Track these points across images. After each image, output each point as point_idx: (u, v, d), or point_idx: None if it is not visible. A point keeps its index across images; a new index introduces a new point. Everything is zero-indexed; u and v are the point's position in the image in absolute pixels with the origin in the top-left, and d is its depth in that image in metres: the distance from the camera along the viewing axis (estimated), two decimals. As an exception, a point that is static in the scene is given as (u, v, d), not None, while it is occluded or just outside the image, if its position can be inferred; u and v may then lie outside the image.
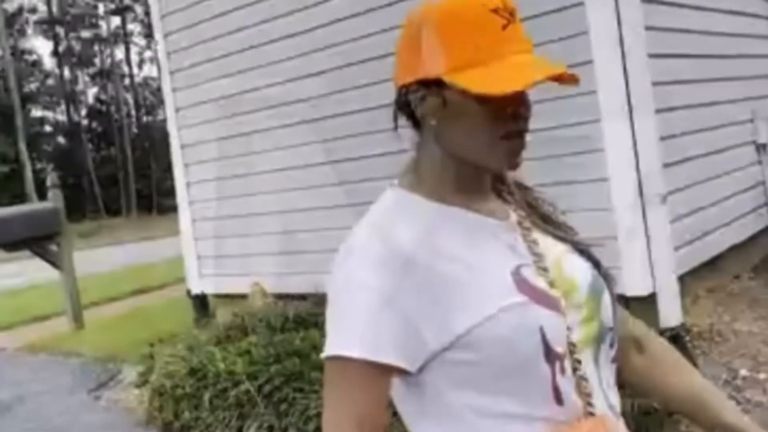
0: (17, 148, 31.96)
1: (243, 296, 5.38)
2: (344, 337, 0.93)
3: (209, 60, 5.66)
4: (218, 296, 5.89)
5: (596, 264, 1.07)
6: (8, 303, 9.25)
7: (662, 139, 3.83)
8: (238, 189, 5.64)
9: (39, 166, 35.83)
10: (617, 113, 3.72)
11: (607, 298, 1.05)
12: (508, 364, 0.92)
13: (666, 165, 3.84)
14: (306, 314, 4.74)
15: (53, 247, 6.89)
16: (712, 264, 4.33)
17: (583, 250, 1.07)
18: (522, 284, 0.95)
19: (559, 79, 0.95)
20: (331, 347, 0.93)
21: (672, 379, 1.15)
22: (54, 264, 6.96)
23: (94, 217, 33.24)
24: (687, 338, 3.79)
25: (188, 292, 6.17)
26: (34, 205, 7.67)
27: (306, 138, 5.16)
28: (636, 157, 3.72)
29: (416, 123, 1.02)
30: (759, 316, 3.96)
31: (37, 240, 6.74)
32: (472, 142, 0.97)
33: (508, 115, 0.95)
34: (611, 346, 1.04)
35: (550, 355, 0.94)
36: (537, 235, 1.04)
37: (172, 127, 6.02)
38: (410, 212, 0.99)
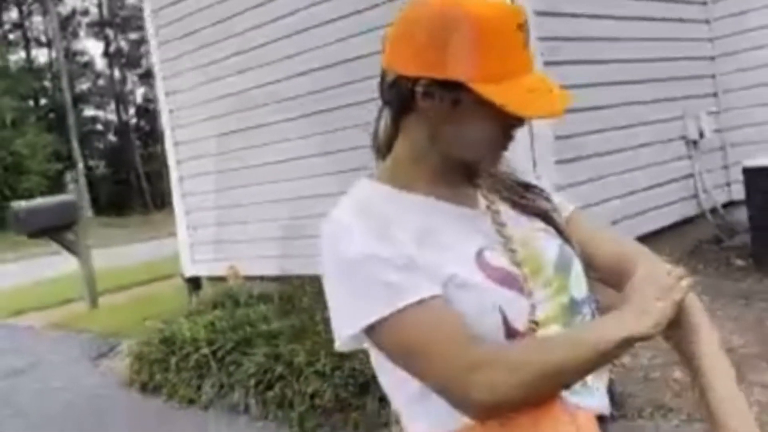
0: (70, 145, 33.50)
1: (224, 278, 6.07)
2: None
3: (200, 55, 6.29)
4: (209, 279, 6.59)
5: (560, 231, 1.12)
6: (44, 290, 10.15)
7: (558, 137, 4.34)
8: (222, 183, 6.32)
9: (91, 163, 37.44)
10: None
11: (577, 269, 1.09)
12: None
13: (559, 161, 4.35)
14: (268, 292, 5.39)
15: (71, 237, 7.72)
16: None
17: (548, 220, 1.13)
18: (484, 265, 1.01)
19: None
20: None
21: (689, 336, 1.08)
22: (71, 251, 7.79)
23: (142, 212, 34.59)
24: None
25: (182, 276, 6.89)
26: (54, 198, 8.45)
27: (283, 135, 5.77)
28: (533, 152, 4.24)
29: (403, 110, 1.06)
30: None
31: (57, 229, 7.57)
32: (475, 144, 1.03)
33: (515, 125, 1.04)
34: (592, 316, 1.09)
35: (510, 333, 0.99)
36: (506, 216, 1.10)
37: (166, 127, 6.73)
38: (384, 198, 1.06)
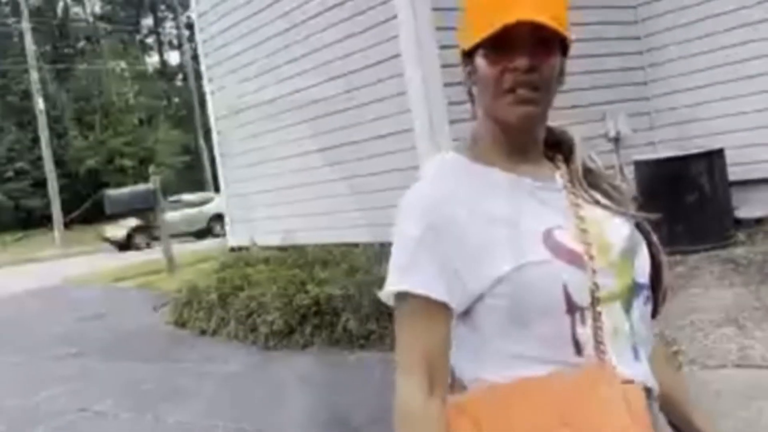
0: (196, 141, 37.00)
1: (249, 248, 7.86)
2: (406, 275, 1.07)
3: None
4: (240, 248, 8.40)
5: (646, 234, 1.18)
6: (135, 266, 12.43)
7: (455, 140, 5.71)
8: (255, 173, 8.08)
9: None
10: (421, 109, 5.67)
11: (642, 258, 1.14)
12: (534, 311, 1.04)
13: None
14: (272, 256, 7.11)
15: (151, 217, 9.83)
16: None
17: (638, 225, 1.18)
18: (550, 242, 1.06)
19: (550, 31, 1.05)
20: (394, 283, 1.08)
21: (659, 374, 1.16)
22: (151, 228, 9.90)
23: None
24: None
25: (229, 247, 8.76)
26: (138, 187, 10.64)
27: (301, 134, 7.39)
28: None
29: (467, 86, 1.14)
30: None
31: (139, 210, 9.69)
32: (486, 99, 1.09)
33: (511, 68, 1.05)
34: (645, 302, 1.14)
35: (571, 306, 1.05)
36: (582, 201, 1.13)
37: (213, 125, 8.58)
38: (456, 172, 1.12)
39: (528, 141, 1.13)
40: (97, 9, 43.94)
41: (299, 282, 5.86)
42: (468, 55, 1.10)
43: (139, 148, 35.35)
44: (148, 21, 45.28)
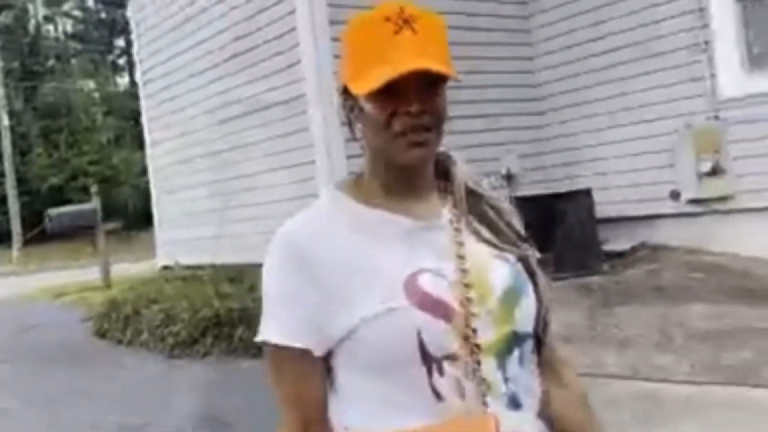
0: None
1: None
2: (266, 324, 1.09)
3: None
4: (167, 267, 8.94)
5: (532, 275, 1.13)
6: (74, 283, 12.83)
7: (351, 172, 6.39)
8: (181, 198, 8.65)
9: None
10: (320, 131, 6.32)
11: (526, 304, 1.10)
12: (389, 360, 1.03)
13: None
14: (189, 274, 7.68)
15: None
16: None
17: (522, 259, 1.13)
18: (413, 289, 1.03)
19: (438, 76, 1.04)
20: (259, 333, 1.10)
21: (569, 412, 1.17)
22: (92, 244, 10.39)
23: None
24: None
25: (160, 266, 9.29)
26: (79, 206, 11.17)
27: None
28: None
29: (350, 124, 1.12)
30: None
31: (82, 228, 10.19)
32: (378, 140, 1.07)
33: (402, 113, 1.04)
34: (531, 352, 1.11)
35: (426, 357, 1.02)
36: (467, 237, 1.11)
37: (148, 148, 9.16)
38: (333, 211, 1.11)
39: (416, 178, 1.12)
40: (69, 28, 44.35)
41: (205, 297, 6.44)
42: (349, 93, 1.08)
43: (105, 167, 35.55)
44: (120, 42, 45.80)
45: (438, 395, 1.03)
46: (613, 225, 6.98)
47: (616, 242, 6.95)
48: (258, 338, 1.10)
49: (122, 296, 7.38)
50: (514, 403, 1.07)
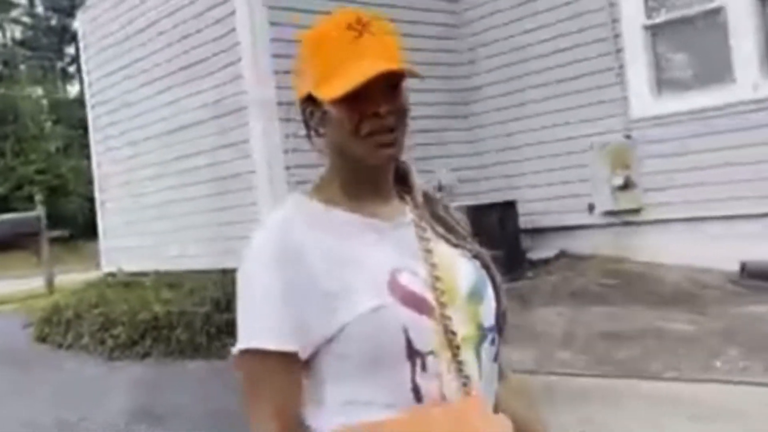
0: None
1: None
2: (251, 330, 1.06)
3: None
4: (111, 274, 9.11)
5: (487, 269, 1.18)
6: (20, 291, 12.86)
7: (291, 184, 6.71)
8: (124, 206, 8.85)
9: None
10: (261, 154, 6.64)
11: (488, 301, 1.14)
12: (375, 358, 1.04)
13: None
14: (131, 281, 7.89)
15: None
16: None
17: (477, 256, 1.18)
18: (395, 287, 1.06)
19: (400, 76, 1.09)
20: (242, 341, 1.06)
21: (517, 410, 1.21)
22: (36, 253, 10.49)
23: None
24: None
25: (104, 273, 9.45)
26: (22, 215, 11.24)
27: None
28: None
29: (309, 132, 1.15)
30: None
31: (25, 235, 10.28)
32: (346, 143, 1.09)
33: (370, 115, 1.07)
34: (491, 343, 1.14)
35: (411, 352, 1.04)
36: (432, 236, 1.15)
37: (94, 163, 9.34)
38: (302, 215, 1.11)
39: (380, 179, 1.15)
40: (18, 34, 43.65)
41: (145, 301, 6.67)
42: (310, 99, 1.11)
43: (52, 176, 35.01)
44: (71, 49, 45.22)
45: (417, 392, 1.05)
46: (537, 235, 7.45)
47: (540, 251, 7.42)
48: (241, 345, 1.07)
49: (64, 302, 7.55)
50: (487, 394, 1.12)
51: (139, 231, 8.39)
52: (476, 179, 8.03)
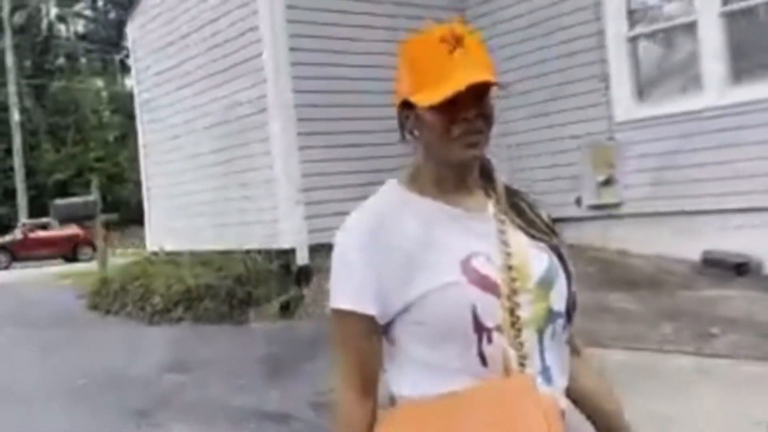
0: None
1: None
2: (337, 294, 1.25)
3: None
4: (156, 252, 10.23)
5: (563, 262, 1.29)
6: (86, 270, 14.21)
7: (305, 177, 7.65)
8: (169, 192, 9.94)
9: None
10: (283, 168, 7.60)
11: (559, 287, 1.26)
12: (445, 328, 1.19)
13: (305, 189, 7.66)
14: (173, 259, 8.97)
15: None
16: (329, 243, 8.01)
17: (554, 248, 1.30)
18: (468, 268, 1.20)
19: (488, 85, 1.22)
20: (331, 302, 1.25)
21: (587, 383, 1.37)
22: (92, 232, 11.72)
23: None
24: (312, 269, 7.55)
25: (149, 252, 10.59)
26: (82, 198, 12.54)
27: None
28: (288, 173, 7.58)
29: (404, 133, 1.30)
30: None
31: (81, 218, 11.52)
32: (438, 144, 1.24)
33: (460, 119, 1.21)
34: (563, 328, 1.27)
35: (478, 327, 1.18)
36: (509, 227, 1.28)
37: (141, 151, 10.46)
38: (397, 201, 1.28)
39: (466, 175, 1.29)
40: (80, 28, 45.67)
41: (179, 276, 7.72)
42: (406, 104, 1.25)
43: (110, 164, 36.72)
44: (128, 43, 46.93)
45: (484, 360, 1.19)
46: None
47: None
48: (331, 305, 1.25)
49: (111, 276, 8.69)
50: (547, 377, 1.23)
51: (179, 216, 9.46)
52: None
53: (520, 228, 1.29)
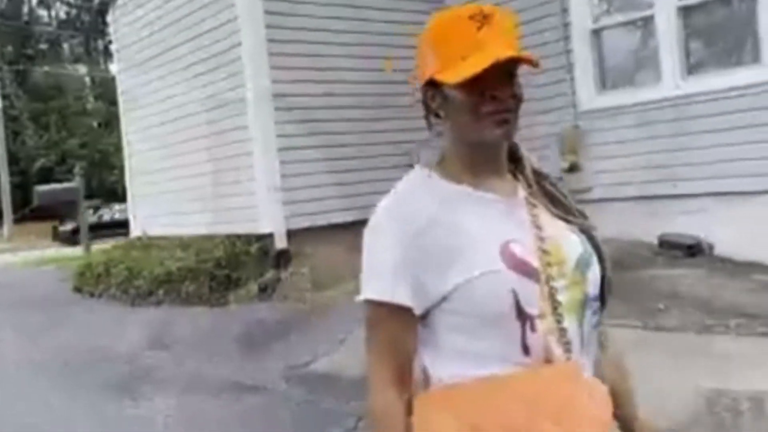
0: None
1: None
2: (369, 284, 1.22)
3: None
4: (140, 237, 10.48)
5: (595, 245, 1.29)
6: (71, 254, 14.42)
7: (283, 164, 7.93)
8: (152, 179, 10.19)
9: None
10: (262, 155, 7.89)
11: (594, 272, 1.26)
12: (486, 317, 1.17)
13: (283, 176, 7.94)
14: (155, 244, 9.25)
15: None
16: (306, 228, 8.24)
17: (585, 231, 1.29)
18: (506, 254, 1.18)
19: (519, 61, 1.19)
20: (363, 292, 1.22)
21: (615, 381, 1.35)
22: (74, 218, 11.94)
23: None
24: (289, 253, 7.85)
25: (133, 237, 10.84)
26: (63, 185, 12.75)
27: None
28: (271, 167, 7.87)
29: (429, 115, 1.27)
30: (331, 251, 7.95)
31: (64, 204, 11.76)
32: (466, 123, 1.21)
33: (488, 98, 1.19)
34: (594, 313, 1.26)
35: (521, 314, 1.17)
36: (542, 212, 1.26)
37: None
38: (426, 187, 1.25)
39: (495, 157, 1.27)
40: (62, 13, 45.41)
41: (161, 259, 8.00)
42: (432, 84, 1.23)
43: (94, 150, 36.68)
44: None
45: (527, 349, 1.17)
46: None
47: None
48: (362, 296, 1.23)
49: (95, 260, 8.95)
50: (587, 359, 1.24)
51: (161, 202, 9.72)
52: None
53: (552, 212, 1.28)
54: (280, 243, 7.87)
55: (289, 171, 7.90)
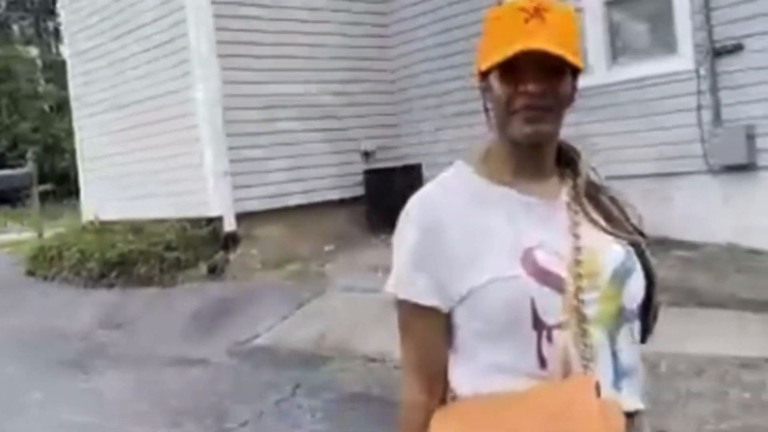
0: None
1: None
2: (396, 280, 1.22)
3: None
4: (92, 222, 10.62)
5: (646, 265, 1.22)
6: (24, 238, 14.40)
7: (231, 149, 8.19)
8: (102, 164, 10.33)
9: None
10: (211, 141, 8.13)
11: (632, 285, 1.19)
12: (499, 323, 1.14)
13: (232, 161, 8.20)
14: (108, 228, 9.43)
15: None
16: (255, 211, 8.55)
17: (634, 246, 1.22)
18: (527, 260, 1.14)
19: (561, 60, 1.13)
20: (390, 286, 1.23)
21: None
22: (25, 204, 12.00)
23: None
24: (238, 235, 8.13)
25: (85, 221, 10.97)
26: (16, 170, 12.77)
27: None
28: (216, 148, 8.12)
29: (486, 107, 1.24)
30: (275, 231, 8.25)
31: (17, 190, 11.81)
32: (501, 117, 1.19)
33: (521, 92, 1.15)
34: (633, 327, 1.21)
35: (538, 323, 1.12)
36: (583, 219, 1.20)
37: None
38: (460, 183, 1.23)
39: (538, 158, 1.22)
40: (11, -6, 44.33)
41: (113, 243, 8.21)
42: (484, 75, 1.21)
43: (46, 134, 36.10)
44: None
45: (543, 361, 1.13)
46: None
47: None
48: (390, 291, 1.23)
49: (48, 244, 9.11)
50: (617, 379, 1.17)
51: (112, 187, 9.89)
52: (396, 146, 9.50)
53: (594, 221, 1.22)
54: (229, 226, 8.15)
55: (238, 156, 8.16)
